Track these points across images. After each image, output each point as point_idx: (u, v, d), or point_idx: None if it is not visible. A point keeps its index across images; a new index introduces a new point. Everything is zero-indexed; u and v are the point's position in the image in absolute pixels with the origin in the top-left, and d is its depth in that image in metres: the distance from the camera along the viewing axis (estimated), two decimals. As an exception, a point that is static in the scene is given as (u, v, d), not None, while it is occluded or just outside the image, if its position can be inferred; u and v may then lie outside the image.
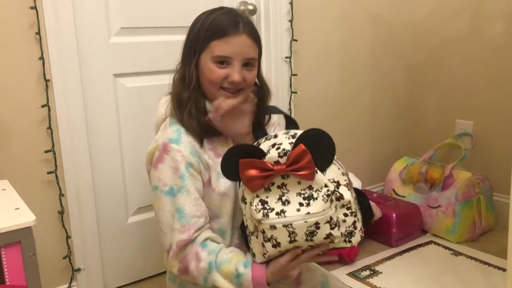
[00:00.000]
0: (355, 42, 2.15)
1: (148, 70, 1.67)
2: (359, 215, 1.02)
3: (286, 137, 0.98)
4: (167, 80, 1.69)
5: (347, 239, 1.00)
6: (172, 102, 1.15)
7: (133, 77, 1.64)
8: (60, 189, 1.50)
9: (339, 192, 0.97)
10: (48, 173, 1.48)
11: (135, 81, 1.65)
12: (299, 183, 0.96)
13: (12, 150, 1.43)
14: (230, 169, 0.99)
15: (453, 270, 1.75)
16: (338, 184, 0.98)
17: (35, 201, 1.44)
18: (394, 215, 1.93)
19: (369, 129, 2.26)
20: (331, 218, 0.96)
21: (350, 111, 2.21)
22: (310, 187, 0.96)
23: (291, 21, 1.89)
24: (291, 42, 1.91)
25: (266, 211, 0.96)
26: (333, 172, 0.99)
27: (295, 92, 1.96)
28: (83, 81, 1.52)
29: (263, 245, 0.99)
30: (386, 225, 1.92)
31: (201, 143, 1.10)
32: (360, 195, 1.08)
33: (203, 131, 1.11)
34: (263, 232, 0.98)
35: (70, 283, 1.59)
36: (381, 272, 1.75)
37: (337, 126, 2.13)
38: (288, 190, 0.97)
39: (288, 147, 0.95)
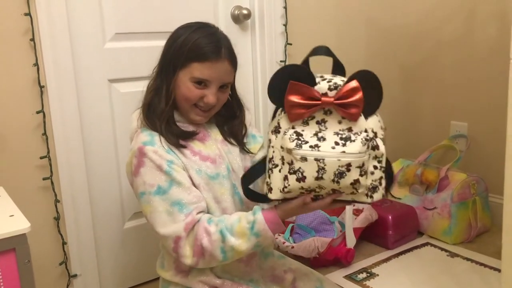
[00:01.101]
0: (349, 45, 2.15)
1: (143, 75, 1.65)
2: (385, 174, 1.01)
3: (337, 76, 0.99)
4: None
5: (369, 193, 0.98)
6: (143, 111, 1.16)
7: (128, 82, 1.64)
8: (55, 195, 1.50)
9: (375, 142, 0.96)
10: (44, 179, 1.47)
11: (130, 86, 1.64)
12: (339, 122, 0.95)
13: (7, 157, 1.43)
14: (276, 89, 0.96)
15: (449, 272, 1.76)
16: (375, 135, 0.97)
17: (31, 208, 1.43)
18: (390, 217, 1.93)
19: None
20: (363, 164, 0.93)
21: (346, 114, 2.21)
22: (350, 129, 0.95)
23: (285, 25, 1.90)
24: (285, 46, 1.92)
25: (300, 142, 0.94)
26: (374, 122, 0.98)
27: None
28: (78, 87, 1.52)
29: (285, 178, 0.96)
30: (383, 227, 1.93)
31: (176, 146, 1.12)
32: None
33: (179, 137, 1.13)
34: (291, 163, 0.95)
35: (67, 289, 1.58)
36: (377, 275, 1.76)
37: (332, 129, 2.13)
38: (327, 128, 0.96)
39: (340, 83, 0.94)
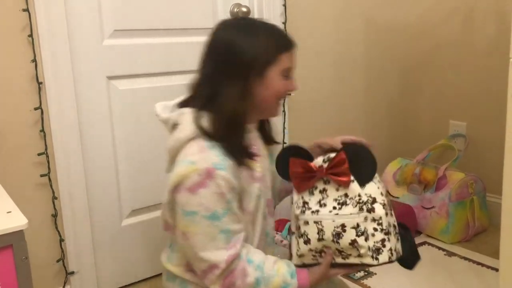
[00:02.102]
0: (348, 45, 2.15)
1: (141, 72, 1.67)
2: (393, 239, 1.06)
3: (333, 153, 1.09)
4: (161, 82, 1.70)
5: (374, 255, 1.04)
6: (221, 121, 1.04)
7: (127, 79, 1.64)
8: (53, 192, 1.50)
9: (371, 205, 1.03)
10: (41, 176, 1.47)
11: (128, 83, 1.64)
12: (337, 190, 1.05)
13: (5, 153, 1.42)
14: (283, 166, 1.11)
15: (446, 271, 1.76)
16: (374, 201, 1.04)
17: (28, 204, 1.43)
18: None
19: (363, 130, 2.26)
20: (358, 225, 1.02)
21: (344, 113, 2.21)
22: (346, 195, 1.04)
23: (284, 23, 1.89)
24: (284, 44, 1.91)
25: (304, 209, 1.07)
26: (372, 189, 1.05)
27: (289, 94, 1.95)
28: (76, 84, 1.52)
29: (297, 242, 1.08)
30: (380, 226, 1.93)
31: (239, 164, 1.05)
32: (406, 232, 1.16)
33: (244, 157, 1.07)
34: (298, 228, 1.08)
35: (64, 286, 1.58)
36: (375, 273, 1.76)
37: (330, 128, 2.13)
38: (328, 196, 1.06)
39: (332, 156, 1.07)
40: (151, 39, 1.67)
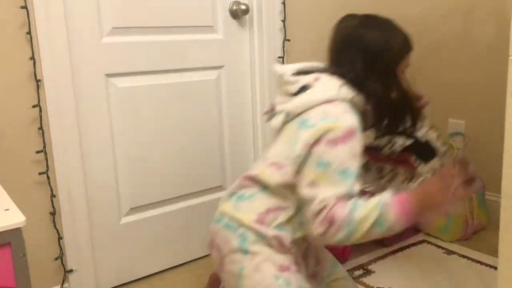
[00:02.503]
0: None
1: (140, 70, 1.66)
2: None
3: None
4: (159, 80, 1.70)
5: None
6: (371, 100, 1.19)
7: (125, 77, 1.64)
8: (51, 189, 1.49)
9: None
10: (40, 173, 1.47)
11: (127, 81, 1.64)
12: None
13: (3, 151, 1.42)
14: None
15: (445, 269, 1.76)
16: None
17: (27, 202, 1.43)
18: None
19: (362, 128, 2.27)
20: None
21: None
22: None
23: (284, 21, 1.89)
24: (283, 42, 1.91)
25: None
26: None
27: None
28: (75, 81, 1.51)
29: None
30: (379, 224, 1.93)
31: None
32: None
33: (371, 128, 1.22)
34: None
35: (62, 284, 1.58)
36: (374, 272, 1.76)
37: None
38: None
39: None
40: (150, 37, 1.66)
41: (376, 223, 1.04)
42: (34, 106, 1.43)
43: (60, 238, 1.54)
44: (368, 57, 1.19)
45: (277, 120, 1.18)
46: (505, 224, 0.94)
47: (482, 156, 2.11)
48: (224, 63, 1.85)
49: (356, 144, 1.09)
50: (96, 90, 1.58)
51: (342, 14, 2.12)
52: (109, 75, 1.60)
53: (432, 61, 2.28)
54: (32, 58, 1.40)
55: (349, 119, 1.10)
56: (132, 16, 1.61)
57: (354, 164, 1.08)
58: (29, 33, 1.39)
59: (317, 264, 1.33)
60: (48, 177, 1.48)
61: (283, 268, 1.15)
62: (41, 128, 1.45)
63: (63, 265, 1.56)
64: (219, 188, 1.91)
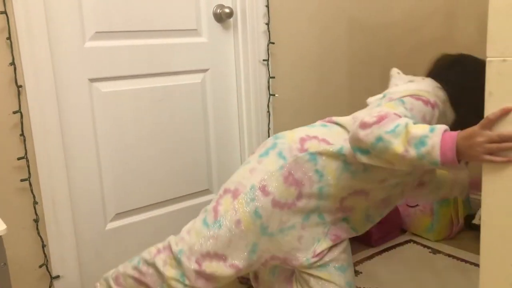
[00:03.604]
0: (331, 44, 2.16)
1: (124, 74, 1.65)
2: None
3: None
4: (144, 84, 1.69)
5: None
6: (452, 100, 1.32)
7: (109, 81, 1.62)
8: (34, 196, 1.47)
9: None
10: (22, 180, 1.45)
11: (110, 86, 1.63)
12: None
13: (-16, 158, 1.40)
14: None
15: (431, 269, 1.78)
16: None
17: (9, 210, 1.41)
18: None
19: (347, 130, 2.28)
20: None
21: (329, 112, 2.21)
22: None
23: (268, 23, 1.89)
24: (268, 45, 1.92)
25: None
26: None
27: (273, 95, 1.96)
28: (58, 87, 1.50)
29: None
30: (366, 225, 1.94)
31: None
32: None
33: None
34: None
35: (47, 292, 1.56)
36: (361, 272, 1.77)
37: (315, 127, 2.13)
38: None
39: None
40: (133, 41, 1.65)
41: (418, 140, 1.02)
42: (14, 112, 1.41)
43: (43, 245, 1.51)
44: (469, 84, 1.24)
45: (375, 97, 1.42)
46: (486, 222, 0.96)
47: (466, 156, 2.14)
48: (208, 66, 1.84)
49: (428, 111, 1.22)
50: (80, 95, 1.56)
51: (326, 16, 2.14)
52: (92, 80, 1.59)
53: (416, 61, 2.30)
54: (13, 63, 1.38)
55: (434, 97, 1.27)
56: (115, 20, 1.60)
57: (428, 115, 1.22)
58: (9, 38, 1.37)
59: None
60: (30, 184, 1.46)
61: (263, 189, 1.27)
62: (22, 134, 1.43)
63: (49, 272, 1.54)
64: (206, 191, 1.90)
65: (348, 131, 1.31)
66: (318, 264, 1.32)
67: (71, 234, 1.58)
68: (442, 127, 1.03)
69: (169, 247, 1.32)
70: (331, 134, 1.33)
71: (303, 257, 1.31)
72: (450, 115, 1.33)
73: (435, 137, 1.01)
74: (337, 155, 1.28)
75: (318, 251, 1.31)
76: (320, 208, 1.31)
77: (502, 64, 0.84)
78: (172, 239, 1.35)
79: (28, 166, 1.45)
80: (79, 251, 1.61)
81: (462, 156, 0.99)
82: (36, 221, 1.49)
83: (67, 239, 1.57)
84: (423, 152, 1.02)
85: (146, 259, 1.34)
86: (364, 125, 1.11)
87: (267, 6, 1.88)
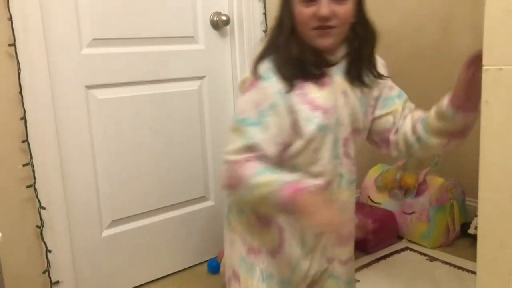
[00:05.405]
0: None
1: (121, 81, 1.65)
2: None
3: None
4: (140, 91, 1.69)
5: None
6: (266, 48, 1.11)
7: (106, 88, 1.62)
8: (39, 202, 1.47)
9: None
10: (27, 187, 1.45)
11: (107, 93, 1.62)
12: None
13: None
14: None
15: (428, 276, 1.77)
16: None
17: (8, 216, 1.40)
18: (370, 222, 1.94)
19: (344, 137, 2.28)
20: None
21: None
22: None
23: (265, 31, 1.90)
24: (265, 52, 1.92)
25: None
26: None
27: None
28: (54, 93, 1.49)
29: None
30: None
31: (290, 87, 1.06)
32: None
33: (297, 72, 1.07)
34: None
35: (42, 300, 1.54)
36: (358, 280, 1.76)
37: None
38: None
39: None
40: (130, 48, 1.65)
41: (268, 196, 0.98)
42: (21, 118, 1.41)
43: (48, 251, 1.50)
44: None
45: None
46: (482, 229, 0.96)
47: (462, 162, 2.14)
48: (205, 74, 1.84)
49: (261, 91, 1.05)
50: (76, 102, 1.56)
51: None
52: (89, 87, 1.58)
53: (412, 69, 2.31)
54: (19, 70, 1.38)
55: (256, 70, 1.08)
56: (113, 27, 1.60)
57: (254, 115, 1.04)
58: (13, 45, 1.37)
59: (329, 263, 1.23)
60: (35, 190, 1.46)
61: (251, 251, 1.14)
62: (26, 140, 1.43)
63: (49, 278, 1.53)
64: (202, 198, 1.89)
65: None
66: None
67: (66, 241, 1.57)
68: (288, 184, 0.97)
69: None
70: None
71: None
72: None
73: (283, 193, 0.97)
74: None
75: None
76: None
77: (498, 72, 0.84)
78: None
79: (34, 172, 1.44)
80: (75, 258, 1.60)
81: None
82: (39, 227, 1.48)
83: (63, 246, 1.56)
84: (274, 204, 1.00)
85: None
86: (222, 187, 1.07)
87: (265, 14, 1.89)
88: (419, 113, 1.26)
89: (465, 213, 2.08)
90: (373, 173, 2.22)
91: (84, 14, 1.54)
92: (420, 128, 1.19)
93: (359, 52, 1.16)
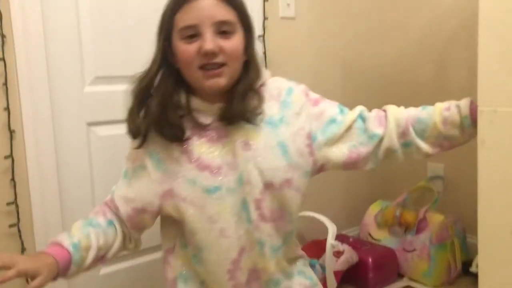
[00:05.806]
0: (326, 88, 2.20)
1: (122, 118, 1.65)
2: None
3: None
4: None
5: None
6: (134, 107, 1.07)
7: (107, 125, 1.64)
8: (22, 243, 1.44)
9: None
10: (10, 226, 1.42)
11: (108, 130, 1.64)
12: None
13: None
14: None
15: (431, 315, 1.74)
16: None
17: None
18: (370, 259, 1.92)
19: (342, 175, 2.28)
20: None
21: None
22: None
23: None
24: (264, 89, 1.95)
25: None
26: None
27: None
28: (56, 130, 1.51)
29: None
30: (363, 270, 1.91)
31: (140, 143, 1.06)
32: None
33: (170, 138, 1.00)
34: None
35: None
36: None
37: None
38: None
39: None
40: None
41: None
42: (6, 157, 1.40)
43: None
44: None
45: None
46: (483, 266, 0.95)
47: (462, 199, 2.14)
48: (205, 111, 1.86)
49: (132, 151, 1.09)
50: (77, 139, 1.57)
51: (320, 62, 2.18)
52: (90, 124, 1.60)
53: (409, 105, 2.34)
54: (7, 108, 1.38)
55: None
56: (115, 65, 1.63)
57: (130, 167, 1.08)
58: (5, 84, 1.38)
59: None
60: (19, 230, 1.43)
61: None
62: (13, 179, 1.42)
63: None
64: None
65: None
66: None
67: (63, 281, 1.54)
68: None
69: None
70: None
71: None
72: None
73: None
74: None
75: None
76: None
77: (493, 114, 0.86)
78: None
79: (18, 212, 1.43)
80: (71, 297, 1.58)
81: None
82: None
83: (60, 285, 1.53)
84: None
85: None
86: None
87: (265, 53, 1.92)
88: (404, 115, 1.18)
89: (467, 251, 2.06)
90: (373, 209, 2.21)
91: (88, 52, 1.57)
92: (412, 132, 1.10)
93: (242, 91, 1.00)
